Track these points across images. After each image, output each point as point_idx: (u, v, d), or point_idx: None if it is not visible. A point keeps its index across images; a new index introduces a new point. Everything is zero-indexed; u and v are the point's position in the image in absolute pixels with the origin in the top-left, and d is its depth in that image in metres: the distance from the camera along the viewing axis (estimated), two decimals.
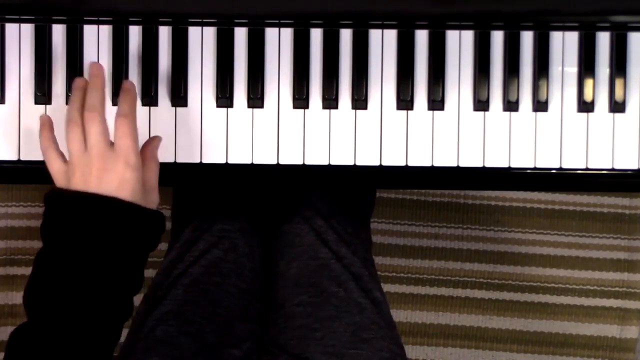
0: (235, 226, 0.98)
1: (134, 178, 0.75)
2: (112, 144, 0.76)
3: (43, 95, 0.84)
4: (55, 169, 0.78)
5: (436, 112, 0.85)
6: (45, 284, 0.74)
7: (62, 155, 0.78)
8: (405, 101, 0.85)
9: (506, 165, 0.86)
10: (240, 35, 0.85)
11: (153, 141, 0.82)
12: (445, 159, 0.85)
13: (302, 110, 0.85)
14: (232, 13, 0.84)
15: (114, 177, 0.75)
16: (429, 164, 0.85)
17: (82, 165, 0.75)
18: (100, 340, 0.74)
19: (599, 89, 0.86)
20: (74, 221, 0.74)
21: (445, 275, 1.55)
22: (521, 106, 0.86)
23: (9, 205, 1.53)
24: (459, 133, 0.85)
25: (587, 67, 0.85)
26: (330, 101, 0.85)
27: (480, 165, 0.85)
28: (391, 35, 0.85)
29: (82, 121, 0.76)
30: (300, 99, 0.85)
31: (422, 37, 0.85)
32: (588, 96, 0.85)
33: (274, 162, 0.85)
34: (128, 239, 0.75)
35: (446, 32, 0.85)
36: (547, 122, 0.86)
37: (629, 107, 0.86)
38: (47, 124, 0.80)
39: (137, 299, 0.82)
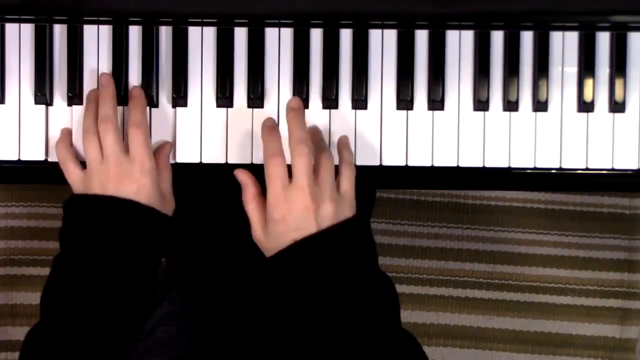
0: (235, 228, 0.98)
1: (150, 184, 0.77)
2: (127, 150, 0.78)
3: (43, 95, 0.84)
4: (74, 177, 0.80)
5: (436, 112, 0.85)
6: (63, 287, 0.75)
7: (79, 163, 0.81)
8: (405, 101, 0.85)
9: (506, 165, 0.86)
10: (240, 35, 0.85)
11: (164, 149, 0.83)
12: (445, 159, 0.85)
13: None
14: (232, 13, 0.84)
15: (131, 184, 0.77)
16: (429, 164, 0.85)
17: (100, 173, 0.77)
18: (114, 343, 0.74)
19: (599, 89, 0.86)
20: (93, 223, 0.76)
21: (445, 275, 1.55)
22: (521, 106, 0.86)
23: (9, 205, 1.53)
24: (459, 133, 0.85)
25: (587, 67, 0.85)
26: (330, 101, 0.85)
27: (480, 165, 0.86)
28: (391, 35, 0.85)
29: (97, 131, 0.78)
30: (300, 99, 0.85)
31: (422, 37, 0.85)
32: (588, 96, 0.85)
33: None
34: (144, 242, 0.76)
35: (446, 32, 0.85)
36: (547, 122, 0.86)
37: (629, 107, 0.86)
38: (66, 135, 0.83)
39: None
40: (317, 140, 0.80)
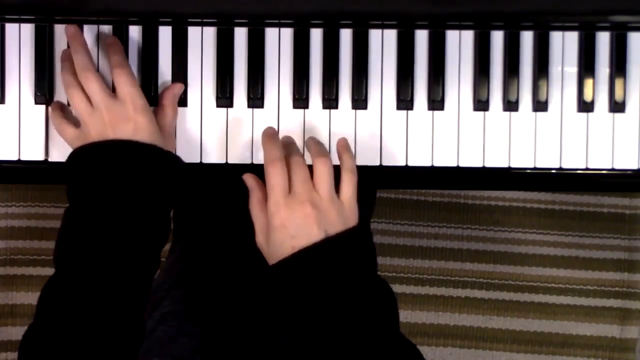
0: (236, 228, 0.98)
1: (146, 121, 0.77)
2: (114, 94, 0.78)
3: (43, 95, 0.84)
4: (70, 135, 0.80)
5: (436, 112, 0.85)
6: (75, 237, 0.74)
7: (73, 123, 0.80)
8: (405, 101, 0.85)
9: (506, 165, 0.86)
10: (240, 35, 0.85)
11: (173, 88, 0.83)
12: (445, 159, 0.85)
13: (302, 110, 0.85)
14: (232, 13, 0.84)
15: (127, 125, 0.76)
16: (429, 164, 0.85)
17: (94, 123, 0.77)
18: (128, 293, 0.74)
19: (598, 89, 0.86)
20: (97, 170, 0.75)
21: (445, 275, 1.55)
22: (521, 106, 0.86)
23: (9, 205, 1.53)
24: (459, 133, 0.85)
25: (587, 67, 0.85)
26: (330, 101, 0.85)
27: (480, 165, 0.86)
28: (391, 35, 0.85)
29: (79, 83, 0.78)
30: (300, 99, 0.85)
31: (422, 37, 0.85)
32: (588, 96, 0.85)
33: None
34: (150, 181, 0.75)
35: (446, 32, 0.85)
36: (547, 122, 0.86)
37: (628, 107, 0.86)
38: (57, 106, 0.83)
39: None
40: (315, 145, 0.79)
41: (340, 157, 0.78)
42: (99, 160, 0.75)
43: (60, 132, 0.81)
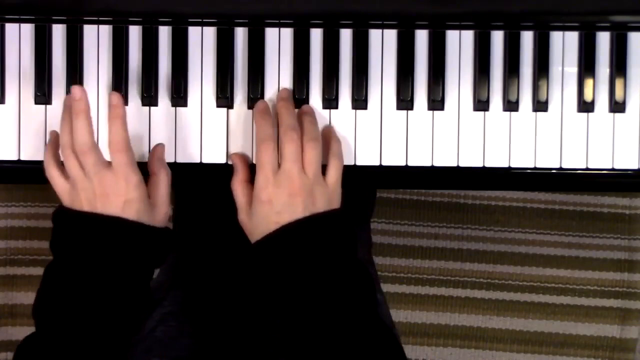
0: (235, 228, 0.98)
1: (137, 197, 0.76)
2: (109, 163, 0.76)
3: (43, 95, 0.84)
4: (60, 188, 0.78)
5: (436, 112, 0.85)
6: (54, 297, 0.75)
7: (65, 172, 0.78)
8: (405, 101, 0.85)
9: (506, 165, 0.86)
10: (240, 35, 0.85)
11: (156, 151, 0.82)
12: (445, 159, 0.85)
13: None
14: (232, 13, 0.84)
15: (118, 199, 0.75)
16: (429, 164, 0.85)
17: (85, 190, 0.76)
18: (107, 355, 0.74)
19: (599, 89, 0.86)
20: (81, 240, 0.75)
21: (445, 275, 1.55)
22: (521, 106, 0.86)
23: (9, 205, 1.53)
24: (459, 133, 0.85)
25: (587, 67, 0.85)
26: (330, 101, 0.85)
27: (480, 165, 0.86)
28: (391, 35, 0.85)
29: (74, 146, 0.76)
30: (300, 99, 0.85)
31: (422, 37, 0.85)
32: (588, 96, 0.85)
33: None
34: (134, 257, 0.76)
35: (446, 32, 0.85)
36: (547, 122, 0.86)
37: (629, 107, 0.86)
38: (53, 140, 0.81)
39: None
40: (309, 127, 0.79)
41: (327, 143, 0.81)
42: (84, 232, 0.75)
43: (50, 179, 0.79)
